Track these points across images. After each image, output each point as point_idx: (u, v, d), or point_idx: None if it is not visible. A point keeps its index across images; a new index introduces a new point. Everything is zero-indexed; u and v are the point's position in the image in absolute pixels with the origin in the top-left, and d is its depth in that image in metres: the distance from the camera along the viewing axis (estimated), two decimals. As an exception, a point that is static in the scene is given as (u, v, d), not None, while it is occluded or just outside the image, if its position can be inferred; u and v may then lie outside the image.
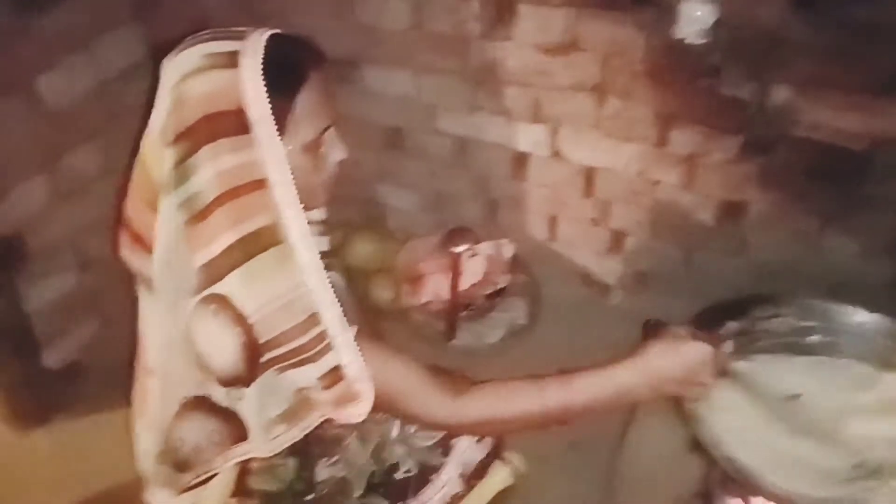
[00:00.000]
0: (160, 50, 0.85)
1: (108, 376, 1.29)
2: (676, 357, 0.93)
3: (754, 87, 1.40)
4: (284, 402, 0.85)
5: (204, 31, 0.83)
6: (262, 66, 0.78)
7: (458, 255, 1.69)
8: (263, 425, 0.85)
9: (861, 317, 1.20)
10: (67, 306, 1.63)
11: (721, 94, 1.42)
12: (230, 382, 0.83)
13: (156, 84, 0.82)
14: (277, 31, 0.83)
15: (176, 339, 0.83)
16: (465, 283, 1.73)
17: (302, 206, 0.80)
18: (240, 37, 0.81)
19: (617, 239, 1.75)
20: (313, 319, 0.81)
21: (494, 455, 1.10)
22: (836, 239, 1.49)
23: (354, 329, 0.84)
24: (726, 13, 1.31)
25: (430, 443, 1.08)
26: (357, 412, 0.85)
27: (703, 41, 1.33)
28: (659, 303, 1.62)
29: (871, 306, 1.20)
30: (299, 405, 0.85)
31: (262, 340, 0.80)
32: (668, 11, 1.36)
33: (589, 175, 1.68)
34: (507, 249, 1.80)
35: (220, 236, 0.78)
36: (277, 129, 0.79)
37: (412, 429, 1.08)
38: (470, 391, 0.90)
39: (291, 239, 0.79)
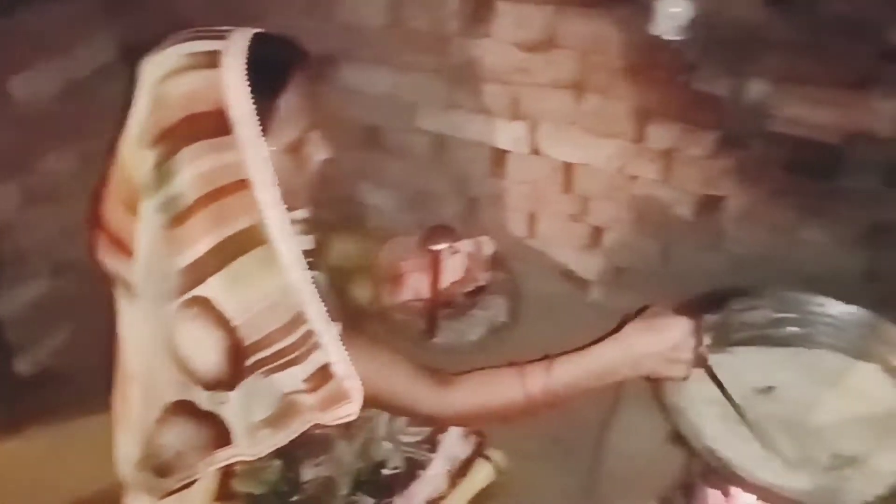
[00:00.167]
0: (134, 50, 0.83)
1: (83, 383, 1.27)
2: (656, 333, 0.94)
3: (730, 83, 1.42)
4: (270, 407, 0.84)
5: (184, 31, 0.82)
6: (244, 66, 0.77)
7: (438, 253, 1.69)
8: (248, 429, 0.85)
9: (836, 308, 1.22)
10: (40, 312, 1.60)
11: (698, 89, 1.44)
12: (213, 386, 0.82)
13: (132, 85, 0.81)
14: (260, 30, 0.82)
15: (157, 344, 0.82)
16: (445, 282, 1.73)
17: (285, 206, 0.79)
18: (221, 36, 0.80)
19: (596, 235, 1.76)
20: (299, 319, 0.81)
21: (477, 453, 1.11)
22: (810, 232, 1.51)
23: (339, 327, 0.84)
24: (703, 10, 1.33)
25: (416, 439, 1.08)
26: (347, 412, 0.85)
27: (680, 38, 1.34)
28: (638, 297, 1.62)
29: (846, 297, 1.22)
30: (285, 410, 0.85)
31: (247, 343, 0.80)
32: (645, 8, 1.37)
33: (568, 171, 1.69)
34: (487, 247, 1.81)
35: (203, 238, 0.77)
36: (260, 130, 0.78)
37: (399, 425, 1.08)
38: (457, 381, 0.92)
39: (275, 240, 0.79)
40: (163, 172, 0.77)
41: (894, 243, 1.46)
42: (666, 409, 1.06)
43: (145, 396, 0.88)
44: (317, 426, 0.87)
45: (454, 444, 1.08)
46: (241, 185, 0.77)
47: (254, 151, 0.78)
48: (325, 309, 0.82)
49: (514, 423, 0.95)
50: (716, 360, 1.05)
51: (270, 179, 0.78)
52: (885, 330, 1.18)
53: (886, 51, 1.30)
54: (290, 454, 0.97)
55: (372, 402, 0.87)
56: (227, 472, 0.94)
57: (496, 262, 1.82)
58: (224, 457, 0.87)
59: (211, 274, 0.77)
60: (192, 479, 0.90)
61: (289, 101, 0.81)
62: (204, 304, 0.78)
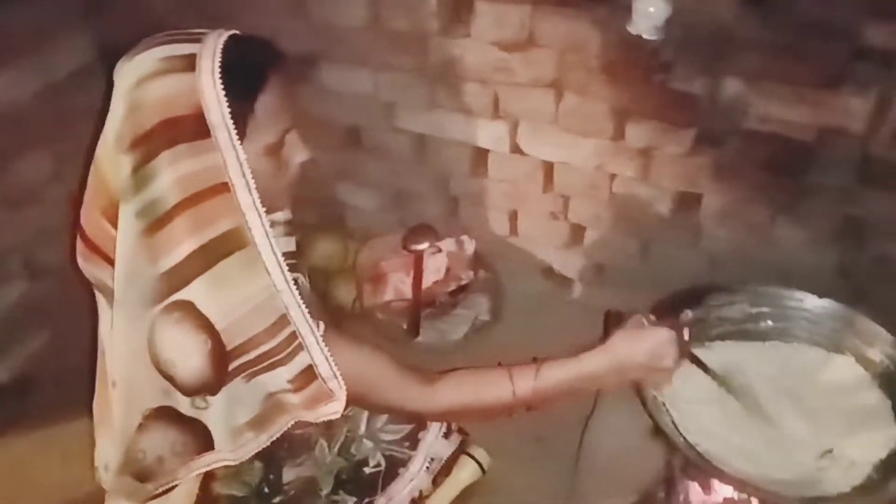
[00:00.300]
0: (111, 52, 0.83)
1: (60, 389, 1.26)
2: (640, 343, 0.96)
3: (706, 82, 1.43)
4: (254, 409, 0.84)
5: (159, 34, 0.81)
6: (220, 69, 0.77)
7: (420, 252, 1.69)
8: (231, 433, 0.85)
9: (810, 302, 1.24)
10: (16, 317, 1.58)
11: (675, 88, 1.45)
12: (196, 391, 0.82)
13: (108, 88, 0.80)
14: (235, 32, 0.82)
15: (138, 350, 0.81)
16: (427, 281, 1.73)
17: (266, 208, 0.79)
18: (197, 39, 0.79)
19: (576, 232, 1.78)
20: (283, 321, 0.81)
21: (461, 451, 1.11)
22: (785, 228, 1.53)
23: (322, 327, 0.84)
24: (679, 9, 1.34)
25: (397, 437, 1.08)
26: (331, 411, 0.85)
27: (657, 37, 1.35)
28: (618, 294, 1.65)
29: (820, 291, 1.24)
30: (270, 410, 0.85)
31: (230, 346, 0.79)
32: (622, 8, 1.38)
33: (548, 170, 1.70)
34: (469, 246, 1.81)
35: (183, 243, 0.76)
36: (238, 133, 0.78)
37: (380, 423, 1.09)
38: (443, 379, 0.93)
39: (256, 242, 0.78)
40: (140, 177, 0.76)
41: (866, 238, 1.49)
42: (645, 405, 1.07)
43: (126, 403, 0.87)
44: (298, 426, 0.87)
45: (435, 441, 1.09)
46: (221, 188, 0.77)
47: (232, 154, 0.77)
48: (308, 310, 0.82)
49: (498, 421, 0.97)
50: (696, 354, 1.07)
51: (250, 182, 0.78)
52: (858, 322, 1.20)
53: (858, 50, 1.32)
54: (271, 455, 0.97)
55: (356, 400, 0.88)
56: (208, 475, 0.94)
57: (478, 261, 1.82)
58: (206, 462, 0.87)
59: (193, 278, 0.77)
60: (173, 484, 0.90)
61: (266, 103, 0.81)
62: (186, 308, 0.78)
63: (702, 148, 1.51)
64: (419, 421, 1.09)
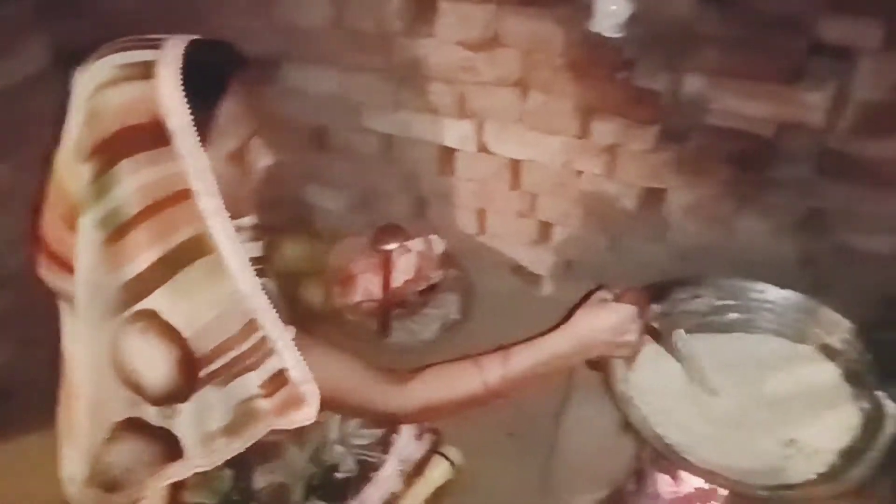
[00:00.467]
0: (69, 56, 0.81)
1: (28, 401, 1.23)
2: (602, 319, 0.98)
3: (668, 78, 1.45)
4: (226, 416, 0.83)
5: (117, 40, 0.80)
6: (180, 76, 0.76)
7: (389, 252, 1.69)
8: (202, 440, 0.83)
9: (773, 293, 1.26)
10: (-20, 326, 1.55)
11: (637, 85, 1.47)
12: (165, 400, 0.81)
13: (66, 94, 0.79)
14: (196, 37, 0.81)
15: (103, 361, 0.80)
16: (397, 281, 1.73)
17: (230, 214, 0.78)
18: (155, 45, 0.78)
19: (545, 230, 1.79)
20: (251, 327, 0.80)
21: (433, 450, 1.12)
22: (748, 220, 1.56)
23: (293, 331, 0.83)
24: (640, 7, 1.35)
25: (369, 441, 1.08)
26: (304, 416, 0.84)
27: (619, 35, 1.36)
28: (588, 289, 1.66)
29: (782, 283, 1.26)
30: (241, 417, 0.84)
31: (199, 354, 0.78)
32: (584, 6, 1.39)
33: (515, 168, 1.71)
34: (438, 245, 1.81)
35: (146, 251, 0.75)
36: (200, 139, 0.77)
37: (351, 428, 1.08)
38: (414, 378, 0.93)
39: (221, 248, 0.78)
40: (100, 186, 0.75)
41: (826, 229, 1.52)
42: (615, 399, 1.09)
43: (92, 415, 0.85)
44: (270, 432, 0.87)
45: (407, 444, 1.09)
46: (183, 195, 0.76)
47: (194, 161, 0.76)
48: (277, 314, 0.82)
49: (471, 415, 0.97)
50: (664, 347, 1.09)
51: (213, 188, 0.77)
52: (820, 313, 1.23)
53: (814, 45, 1.35)
54: (242, 462, 0.96)
55: (329, 404, 0.87)
56: (177, 484, 0.92)
57: (447, 259, 1.83)
58: (176, 471, 0.86)
59: (156, 287, 0.76)
60: (141, 495, 0.89)
61: (228, 109, 0.80)
62: (151, 317, 0.76)
63: (666, 144, 1.53)
64: (392, 424, 1.09)
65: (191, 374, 0.79)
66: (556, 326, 0.99)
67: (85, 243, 0.77)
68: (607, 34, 1.36)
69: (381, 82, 1.68)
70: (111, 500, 0.88)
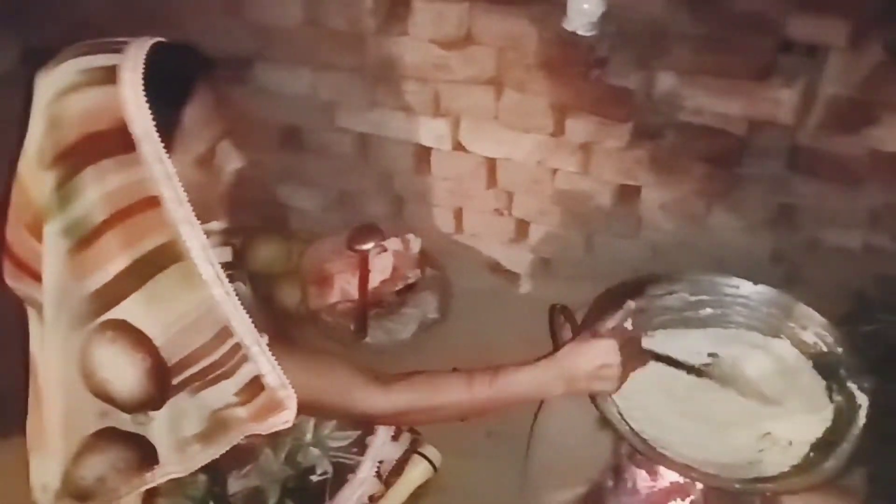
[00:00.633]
0: (35, 56, 0.79)
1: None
2: (584, 356, 1.00)
3: (641, 77, 1.46)
4: (200, 423, 0.82)
5: (79, 44, 0.78)
6: (144, 80, 0.74)
7: (365, 252, 1.68)
8: (177, 445, 0.82)
9: (747, 288, 1.27)
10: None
11: (610, 83, 1.48)
12: (137, 408, 0.80)
13: (30, 96, 0.77)
14: (160, 39, 0.79)
15: (72, 370, 0.79)
16: (373, 281, 1.72)
17: (200, 219, 0.77)
18: (118, 49, 0.77)
19: (521, 228, 1.79)
20: (224, 333, 0.79)
21: (412, 450, 1.11)
22: (721, 216, 1.58)
23: (266, 337, 0.83)
24: (613, 5, 1.36)
25: (345, 443, 1.07)
26: (282, 420, 0.83)
27: (592, 33, 1.37)
28: (564, 287, 1.67)
29: (755, 278, 1.28)
30: (217, 424, 0.83)
31: (171, 362, 0.77)
32: (558, 5, 1.39)
33: (491, 167, 1.71)
34: (415, 244, 1.81)
35: (114, 260, 0.74)
36: (165, 144, 0.76)
37: (327, 430, 1.07)
38: (400, 381, 0.93)
39: (191, 255, 0.77)
40: (65, 194, 0.74)
41: (798, 225, 1.54)
42: (592, 397, 1.09)
43: (63, 426, 0.84)
44: (245, 436, 0.86)
45: (384, 445, 1.09)
46: (151, 202, 0.75)
47: (160, 167, 0.75)
48: (251, 320, 0.81)
49: (448, 422, 0.98)
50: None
51: (180, 194, 0.76)
52: (793, 307, 1.24)
53: (784, 43, 1.36)
54: (216, 467, 0.95)
55: (308, 407, 0.86)
56: (151, 490, 0.91)
57: (424, 259, 1.82)
58: (152, 477, 0.85)
59: (126, 295, 0.75)
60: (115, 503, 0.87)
61: (194, 113, 0.79)
62: (121, 326, 0.75)
63: (639, 141, 1.54)
64: (368, 425, 1.08)
65: (163, 382, 0.78)
66: (545, 357, 1.02)
67: (51, 252, 0.76)
68: (581, 32, 1.36)
69: (355, 81, 1.67)
70: (83, 509, 0.87)
